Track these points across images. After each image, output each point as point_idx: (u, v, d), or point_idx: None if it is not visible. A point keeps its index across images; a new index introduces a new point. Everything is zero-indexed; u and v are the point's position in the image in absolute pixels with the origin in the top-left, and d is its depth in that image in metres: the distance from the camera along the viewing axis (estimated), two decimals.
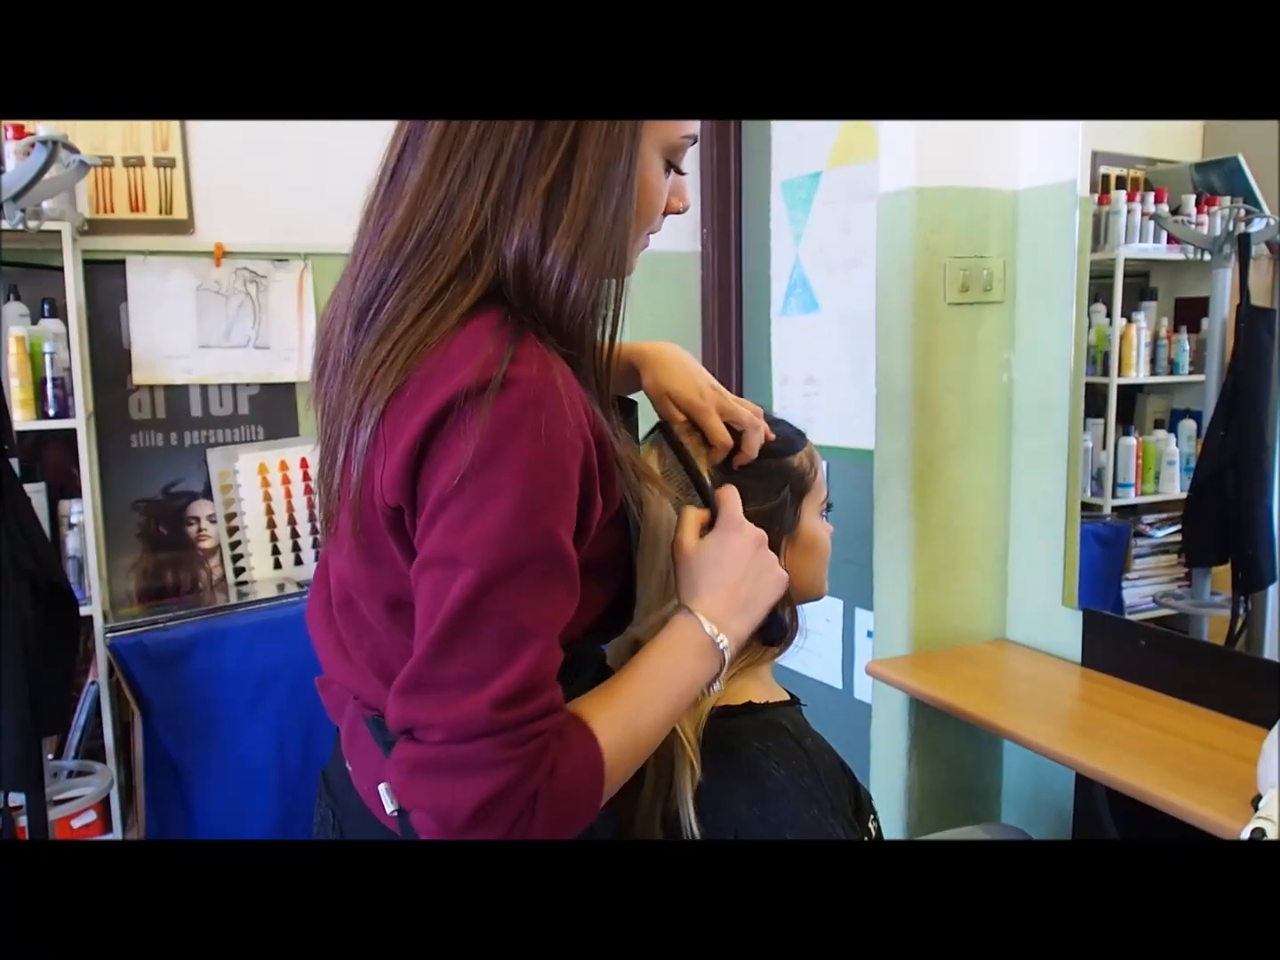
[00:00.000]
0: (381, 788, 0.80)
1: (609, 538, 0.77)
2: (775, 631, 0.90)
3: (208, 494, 2.42)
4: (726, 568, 0.82)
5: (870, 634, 1.99)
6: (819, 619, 2.17)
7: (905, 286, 1.70)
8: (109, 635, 2.09)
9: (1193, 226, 1.56)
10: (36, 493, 2.11)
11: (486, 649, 0.67)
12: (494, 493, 0.66)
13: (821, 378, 2.16)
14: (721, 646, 0.79)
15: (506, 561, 0.67)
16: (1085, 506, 1.69)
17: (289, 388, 2.46)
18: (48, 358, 2.11)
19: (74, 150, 1.96)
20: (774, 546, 0.94)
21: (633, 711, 0.75)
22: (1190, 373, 1.63)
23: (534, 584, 0.68)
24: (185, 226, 2.37)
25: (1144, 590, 1.68)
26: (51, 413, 2.10)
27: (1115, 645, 1.60)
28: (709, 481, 0.90)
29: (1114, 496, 1.70)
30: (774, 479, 0.97)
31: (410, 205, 0.73)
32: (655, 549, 0.87)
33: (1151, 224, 1.62)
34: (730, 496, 0.86)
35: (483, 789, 0.66)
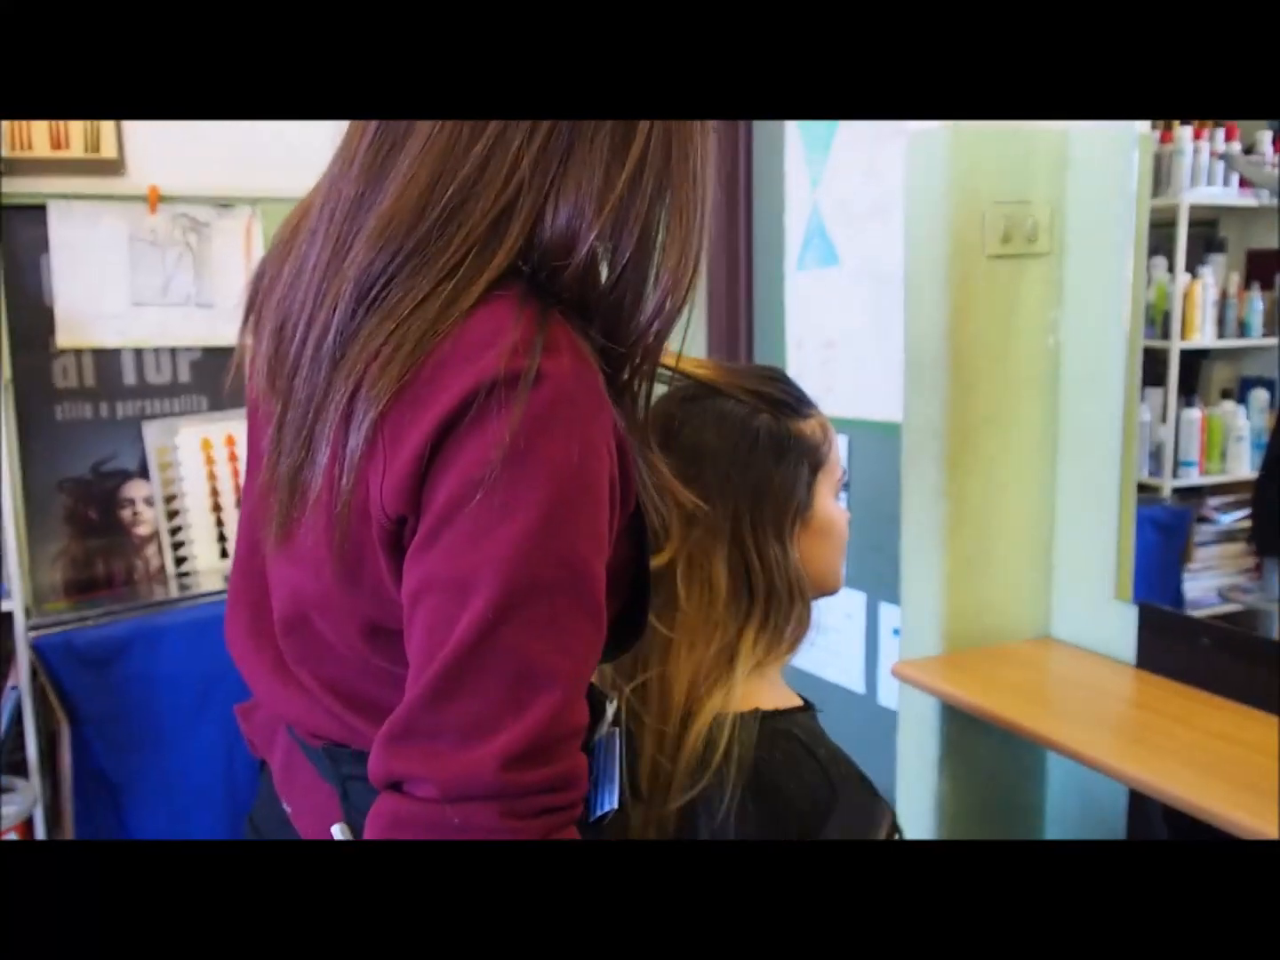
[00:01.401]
0: (335, 829, 0.79)
1: (621, 548, 0.75)
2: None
3: (144, 473, 2.41)
4: None
5: (896, 631, 1.99)
6: (838, 614, 2.17)
7: (938, 237, 1.69)
8: (32, 634, 2.09)
9: (1268, 168, 1.55)
10: None
11: (495, 693, 0.64)
12: (515, 506, 0.64)
13: (842, 341, 2.16)
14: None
15: (524, 588, 0.64)
16: (1142, 488, 1.69)
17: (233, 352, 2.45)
18: None
19: None
20: (781, 527, 0.94)
21: None
22: (1263, 335, 1.63)
23: (555, 617, 0.65)
24: (115, 167, 2.34)
25: (1207, 583, 1.69)
26: None
27: (1174, 644, 1.61)
28: None
29: (1174, 477, 1.71)
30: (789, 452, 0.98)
31: (439, 157, 0.69)
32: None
33: (1220, 165, 1.61)
34: None
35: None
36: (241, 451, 2.42)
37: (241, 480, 2.42)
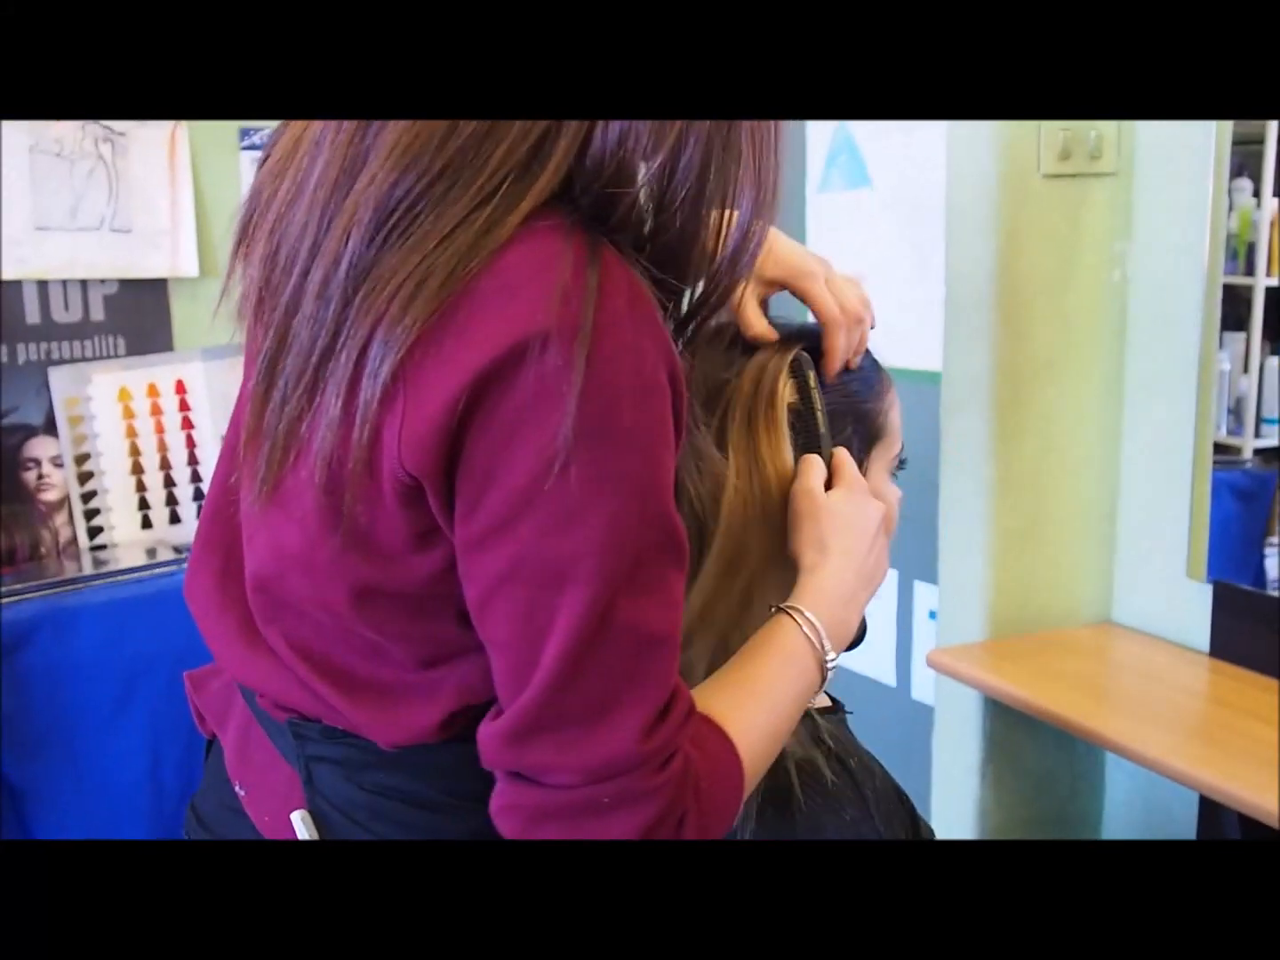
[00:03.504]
0: (295, 816, 0.81)
1: None
2: (860, 633, 0.94)
3: (50, 429, 2.40)
4: (858, 534, 0.90)
5: (933, 615, 2.02)
6: None
7: (985, 153, 1.69)
8: None
9: None
10: None
11: (619, 668, 0.70)
12: (604, 480, 0.68)
13: (872, 276, 2.15)
14: (829, 665, 0.87)
15: (629, 563, 0.69)
16: (1219, 448, 1.69)
17: (159, 286, 2.44)
18: None
19: None
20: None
21: (766, 714, 0.82)
22: None
23: (658, 578, 0.71)
24: None
25: None
26: None
27: (1255, 630, 1.62)
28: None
29: (1257, 436, 1.72)
30: (837, 414, 0.95)
31: None
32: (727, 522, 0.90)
33: None
34: (848, 459, 0.94)
35: (632, 826, 0.71)
36: (196, 399, 2.43)
37: (171, 435, 2.44)
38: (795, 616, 0.86)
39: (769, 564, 0.91)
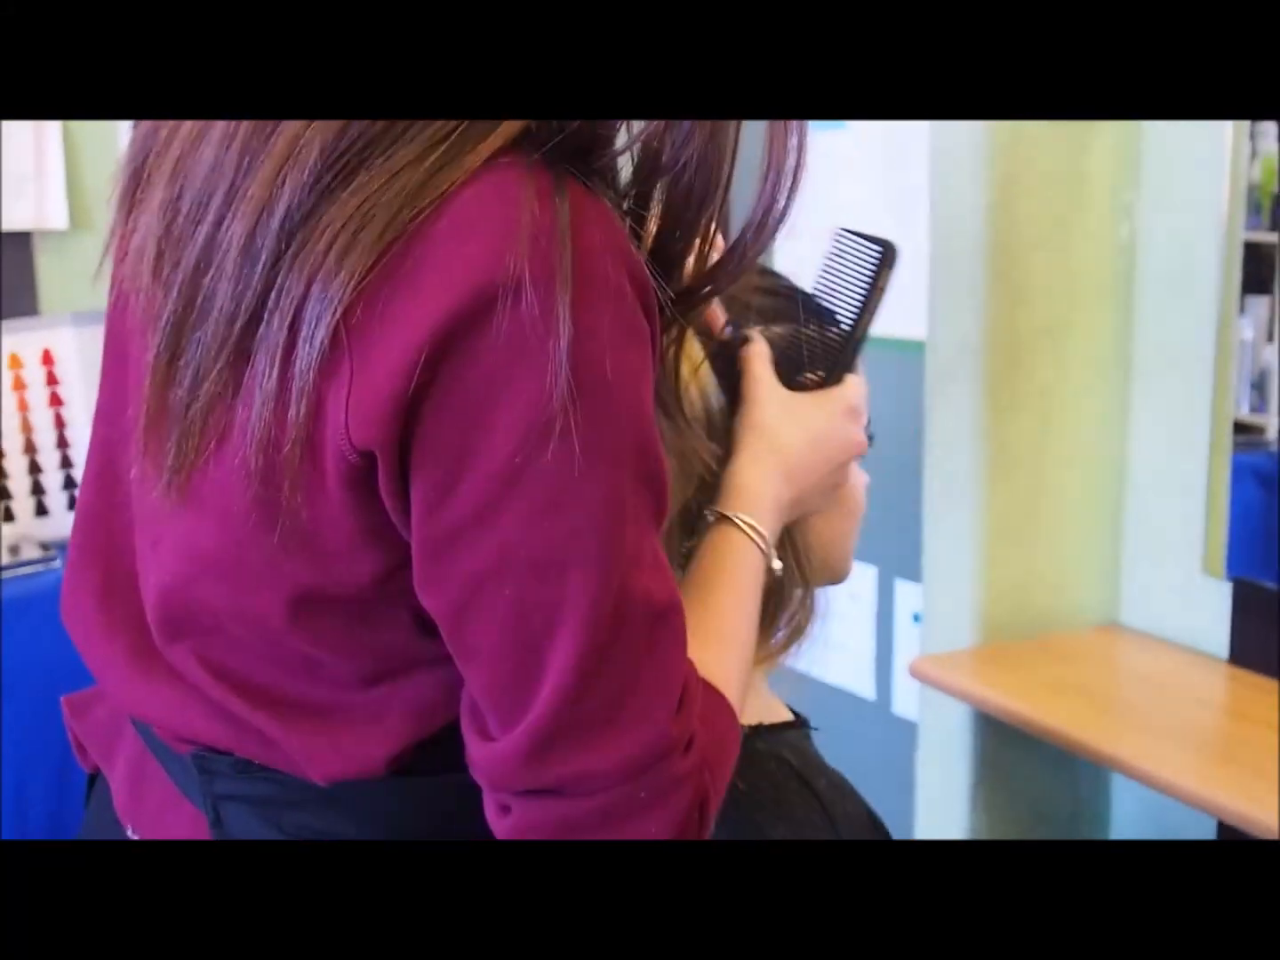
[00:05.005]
0: None
1: None
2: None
3: None
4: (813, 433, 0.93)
5: (917, 618, 2.01)
6: (841, 595, 2.16)
7: None
8: None
9: None
10: None
11: (639, 653, 0.71)
12: (600, 443, 0.68)
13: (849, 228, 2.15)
14: (777, 572, 0.90)
15: (634, 537, 0.70)
16: (1240, 428, 1.70)
17: (21, 240, 2.40)
18: None
19: None
20: None
21: (743, 661, 0.84)
22: None
23: (648, 544, 0.72)
24: None
25: None
26: None
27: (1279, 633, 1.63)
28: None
29: None
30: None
31: None
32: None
33: None
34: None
35: (667, 821, 0.73)
36: (67, 372, 2.38)
37: (37, 414, 2.41)
38: (748, 531, 0.88)
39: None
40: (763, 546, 0.88)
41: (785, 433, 0.92)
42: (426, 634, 0.74)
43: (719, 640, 0.83)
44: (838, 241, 0.98)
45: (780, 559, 0.93)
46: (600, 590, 0.69)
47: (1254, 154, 1.67)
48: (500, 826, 0.74)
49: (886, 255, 0.95)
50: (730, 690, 0.81)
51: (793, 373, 0.93)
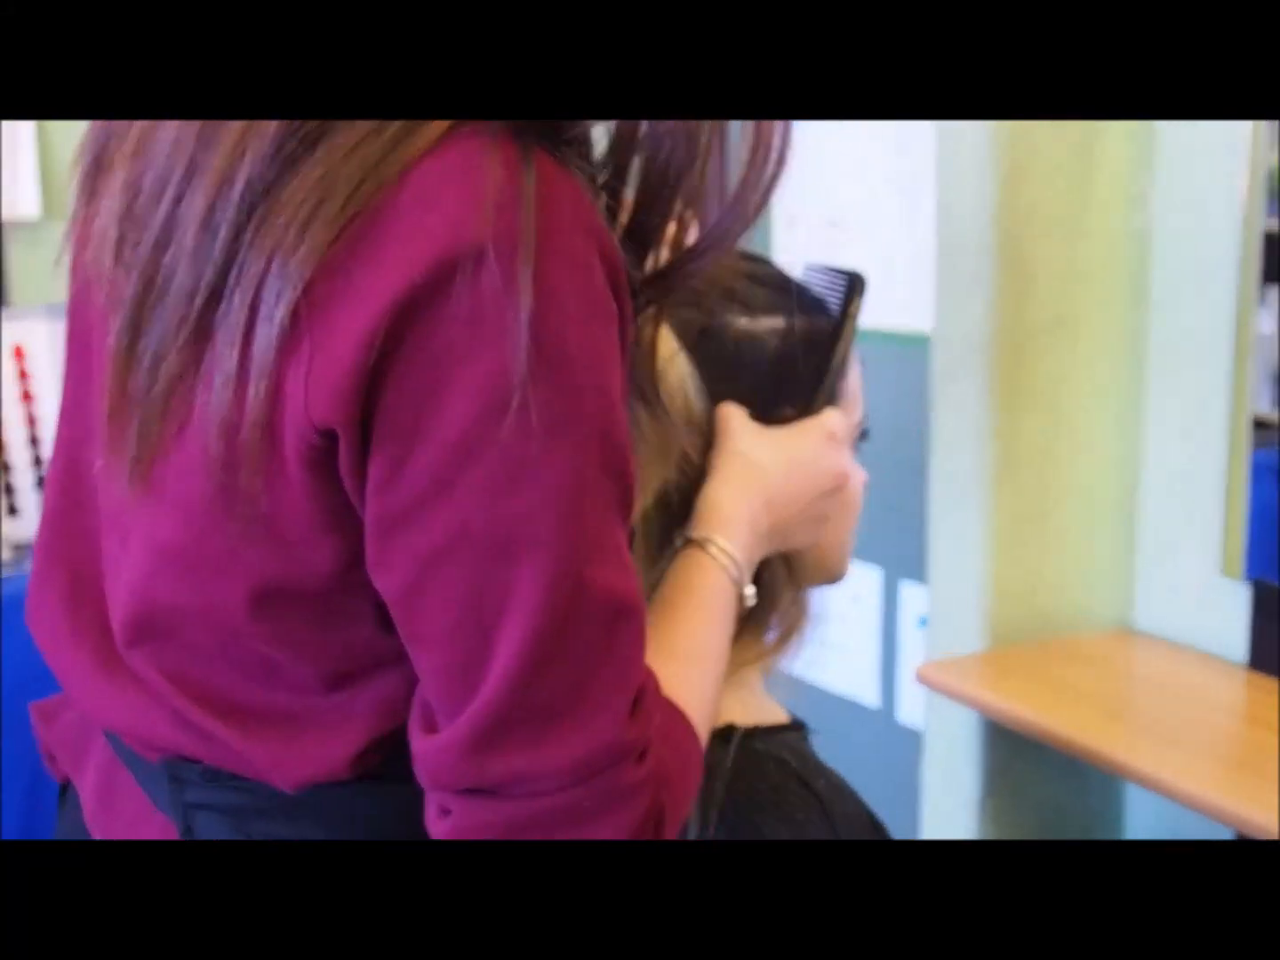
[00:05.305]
0: None
1: None
2: None
3: None
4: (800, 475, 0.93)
5: (923, 622, 2.01)
6: (843, 597, 2.18)
7: None
8: None
9: None
10: None
11: (593, 649, 0.71)
12: (559, 420, 0.68)
13: (851, 219, 2.16)
14: (749, 602, 0.90)
15: (595, 521, 0.71)
16: (1259, 424, 1.70)
17: None
18: None
19: None
20: None
21: (710, 682, 0.84)
22: None
23: (611, 539, 0.72)
24: None
25: None
26: None
27: None
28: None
29: None
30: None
31: None
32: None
33: None
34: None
35: (615, 832, 0.72)
36: (37, 367, 2.38)
37: (8, 410, 2.40)
38: (717, 555, 0.88)
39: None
40: (733, 572, 0.88)
41: (763, 457, 0.92)
42: (390, 630, 0.74)
43: (685, 658, 0.83)
44: (805, 277, 1.00)
45: (766, 561, 0.94)
46: (556, 575, 0.69)
47: (1274, 140, 1.66)
48: (438, 828, 0.74)
49: (855, 285, 0.97)
50: (693, 710, 0.80)
51: (769, 407, 0.94)
